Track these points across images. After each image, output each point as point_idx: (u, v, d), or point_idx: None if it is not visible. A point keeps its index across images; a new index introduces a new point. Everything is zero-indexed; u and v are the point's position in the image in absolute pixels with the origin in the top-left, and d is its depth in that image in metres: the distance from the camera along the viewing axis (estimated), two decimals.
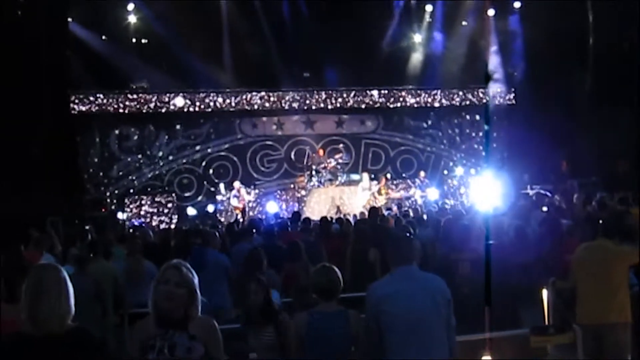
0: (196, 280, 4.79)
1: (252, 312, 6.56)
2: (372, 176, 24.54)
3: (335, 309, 5.99)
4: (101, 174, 25.14)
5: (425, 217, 16.30)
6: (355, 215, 19.42)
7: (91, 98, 24.65)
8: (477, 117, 28.55)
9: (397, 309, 5.66)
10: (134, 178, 25.57)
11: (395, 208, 22.68)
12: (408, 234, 8.25)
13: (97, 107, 24.77)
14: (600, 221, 9.02)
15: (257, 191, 24.98)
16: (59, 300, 4.44)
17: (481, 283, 7.98)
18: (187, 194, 25.86)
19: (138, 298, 10.31)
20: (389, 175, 25.76)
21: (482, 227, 10.72)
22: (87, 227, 17.02)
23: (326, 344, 5.86)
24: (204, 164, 26.31)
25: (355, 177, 24.87)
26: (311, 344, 5.93)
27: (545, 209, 16.69)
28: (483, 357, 7.02)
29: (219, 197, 24.66)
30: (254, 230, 12.82)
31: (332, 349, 5.86)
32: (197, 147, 26.34)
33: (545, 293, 10.09)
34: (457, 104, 28.28)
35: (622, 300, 7.89)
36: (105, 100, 24.85)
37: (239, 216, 22.76)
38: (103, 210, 23.21)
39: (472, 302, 7.80)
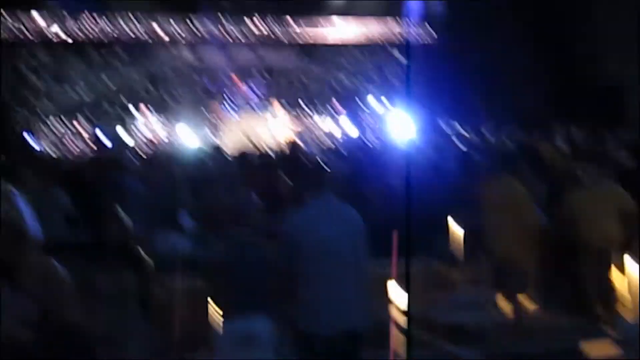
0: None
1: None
2: (288, 107, 24.52)
3: (249, 235, 6.03)
4: (12, 99, 24.47)
5: (342, 149, 16.37)
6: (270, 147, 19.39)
7: (2, 20, 23.83)
8: (396, 52, 28.61)
9: (310, 236, 5.73)
10: (46, 104, 24.97)
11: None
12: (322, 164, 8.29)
13: (8, 30, 23.99)
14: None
15: (170, 120, 24.69)
16: None
17: (396, 213, 8.11)
18: (100, 122, 25.35)
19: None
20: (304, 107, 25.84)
21: (398, 159, 10.85)
22: None
23: (240, 269, 5.89)
24: (117, 91, 25.81)
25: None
26: (225, 269, 5.96)
27: (458, 143, 16.99)
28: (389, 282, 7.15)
29: (132, 125, 24.30)
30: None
31: (246, 275, 5.89)
32: (111, 73, 25.80)
33: (452, 223, 10.33)
34: (377, 38, 28.26)
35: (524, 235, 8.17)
36: (17, 23, 24.07)
37: (151, 146, 22.50)
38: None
39: (385, 232, 7.93)
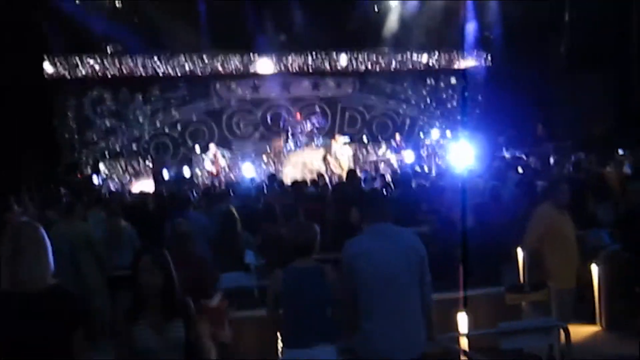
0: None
1: (147, 294, 4.85)
2: (348, 140, 24.59)
3: (311, 265, 6.01)
4: (76, 137, 24.99)
5: (401, 178, 16.34)
6: (330, 178, 19.49)
7: (65, 62, 24.43)
8: (453, 80, 28.60)
9: (370, 266, 5.67)
10: (109, 142, 25.44)
11: (372, 171, 22.77)
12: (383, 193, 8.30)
13: (71, 71, 24.57)
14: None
15: (232, 155, 24.95)
16: (38, 258, 4.45)
17: (458, 242, 8.07)
18: (162, 158, 25.74)
19: (118, 260, 10.38)
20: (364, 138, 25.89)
21: (458, 188, 10.79)
22: (62, 191, 16.95)
23: (301, 299, 5.88)
24: (179, 127, 26.20)
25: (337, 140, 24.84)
26: (286, 300, 5.95)
27: (520, 170, 16.83)
28: (458, 314, 7.11)
29: (194, 161, 24.61)
30: (231, 193, 12.85)
31: (308, 305, 5.88)
32: (173, 111, 26.20)
33: (520, 252, 10.23)
34: (433, 67, 28.28)
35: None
36: (79, 64, 24.64)
37: (214, 180, 22.75)
38: (78, 175, 23.10)
39: (449, 262, 7.88)
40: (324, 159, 23.67)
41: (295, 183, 14.99)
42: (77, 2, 24.27)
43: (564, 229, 8.05)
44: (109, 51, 25.04)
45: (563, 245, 8.00)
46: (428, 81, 28.78)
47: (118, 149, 25.44)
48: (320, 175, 18.05)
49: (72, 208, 10.41)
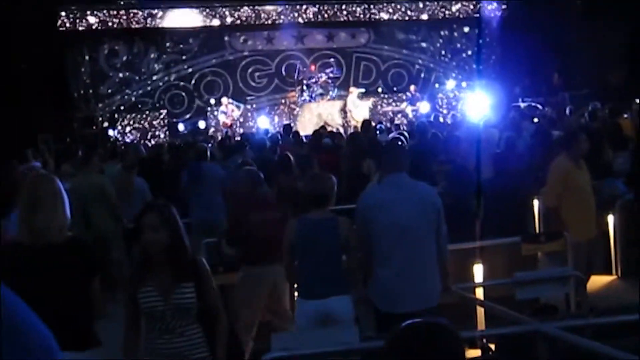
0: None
1: (152, 254, 4.47)
2: (364, 91, 24.51)
3: (325, 216, 6.02)
4: (91, 91, 24.98)
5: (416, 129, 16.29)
6: (345, 130, 19.47)
7: (79, 14, 24.35)
8: (468, 29, 28.33)
9: (386, 217, 5.70)
10: (124, 95, 25.43)
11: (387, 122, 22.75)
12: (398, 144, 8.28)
13: (85, 24, 24.50)
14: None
15: (247, 106, 24.92)
16: (56, 211, 4.48)
17: (474, 193, 8.06)
18: (177, 110, 25.73)
19: (128, 212, 10.43)
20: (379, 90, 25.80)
21: (474, 138, 10.74)
22: (78, 145, 17.02)
23: (315, 249, 5.90)
24: (194, 79, 26.11)
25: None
26: (301, 249, 5.98)
27: (536, 120, 16.74)
28: (474, 265, 7.13)
29: (209, 113, 24.63)
30: (246, 145, 12.86)
31: (322, 255, 5.90)
32: (187, 63, 26.12)
33: (536, 202, 10.23)
34: (448, 16, 28.03)
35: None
36: (93, 17, 24.56)
37: (228, 132, 22.76)
38: (94, 127, 23.16)
39: (465, 212, 7.88)
40: (342, 110, 23.63)
41: (315, 132, 14.99)
42: None
43: (580, 181, 8.01)
44: (122, 2, 24.92)
45: (580, 197, 7.98)
46: (443, 31, 28.51)
47: (133, 102, 25.42)
48: (336, 126, 18.04)
49: (88, 160, 10.43)
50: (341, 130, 19.55)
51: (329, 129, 19.85)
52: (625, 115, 15.19)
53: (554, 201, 8.07)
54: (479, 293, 7.08)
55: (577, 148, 8.02)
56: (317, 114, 23.61)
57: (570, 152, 8.02)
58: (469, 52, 28.32)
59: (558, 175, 8.02)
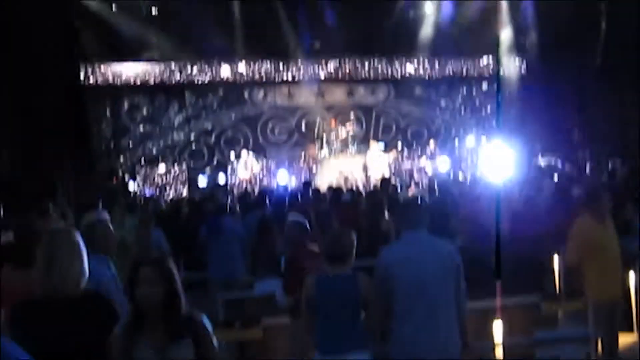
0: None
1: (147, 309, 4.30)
2: (383, 147, 24.57)
3: (345, 272, 6.00)
4: (112, 144, 25.21)
5: (435, 186, 16.27)
6: (365, 186, 19.47)
7: (101, 68, 24.67)
8: (488, 86, 28.42)
9: (406, 274, 5.68)
10: (144, 148, 25.62)
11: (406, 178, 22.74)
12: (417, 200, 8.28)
13: (108, 78, 24.80)
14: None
15: (266, 162, 25.01)
16: (73, 264, 4.47)
17: (492, 250, 8.00)
18: (197, 164, 25.88)
19: None
20: (399, 146, 25.81)
21: (493, 196, 10.71)
22: (98, 197, 17.07)
23: (335, 305, 5.87)
24: (214, 134, 26.32)
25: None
26: (320, 305, 5.94)
27: (556, 178, 16.69)
28: (494, 322, 7.04)
29: (229, 168, 24.72)
30: (266, 200, 12.89)
31: (341, 310, 5.86)
32: (208, 117, 26.33)
33: (556, 261, 10.13)
34: (468, 73, 28.16)
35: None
36: (116, 71, 24.88)
37: (247, 186, 22.81)
38: (114, 180, 23.27)
39: (483, 270, 7.82)
40: (362, 166, 23.66)
41: (331, 188, 14.99)
42: (113, 9, 24.49)
43: (603, 241, 7.92)
44: (144, 57, 25.24)
45: (603, 257, 7.87)
46: (462, 87, 28.64)
47: (153, 155, 25.59)
48: (355, 183, 18.03)
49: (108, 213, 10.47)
50: (361, 186, 19.54)
51: (348, 184, 19.89)
52: None
53: (575, 260, 7.98)
54: (499, 352, 6.98)
55: (600, 207, 7.96)
56: (337, 169, 23.64)
57: (594, 211, 7.96)
58: (488, 109, 28.37)
59: (579, 233, 7.95)
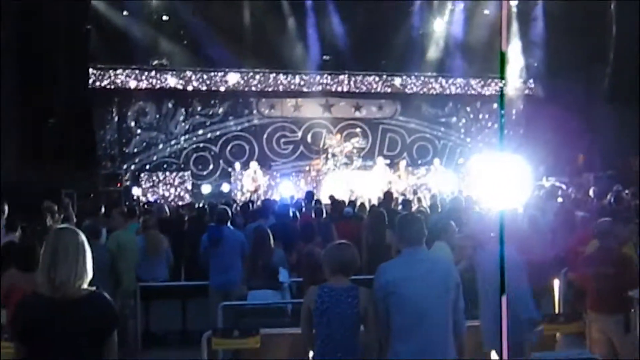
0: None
1: None
2: (388, 162, 24.58)
3: (346, 285, 5.98)
4: (117, 149, 25.23)
5: (438, 204, 16.26)
6: (369, 200, 19.49)
7: (110, 73, 24.73)
8: (494, 106, 28.44)
9: (405, 292, 5.66)
10: (150, 154, 25.64)
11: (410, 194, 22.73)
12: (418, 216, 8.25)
13: (115, 83, 24.86)
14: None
15: (272, 173, 25.01)
16: (77, 263, 4.47)
17: (494, 271, 7.99)
18: (202, 172, 25.92)
19: (153, 271, 10.48)
20: (404, 162, 25.81)
21: (496, 215, 10.70)
22: (101, 201, 17.12)
23: (334, 318, 5.86)
24: (220, 142, 26.34)
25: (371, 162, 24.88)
26: (319, 317, 5.93)
27: (560, 200, 16.67)
28: None
29: (233, 177, 24.71)
30: (269, 211, 12.88)
31: (340, 323, 5.85)
32: (214, 126, 26.37)
33: (556, 283, 10.11)
34: (475, 92, 28.21)
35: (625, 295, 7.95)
36: (124, 76, 24.94)
37: (252, 197, 22.80)
38: (118, 185, 23.26)
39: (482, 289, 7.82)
40: (367, 180, 23.65)
41: (333, 202, 15.01)
42: (124, 14, 24.57)
43: (609, 268, 7.95)
44: (153, 64, 25.30)
45: (606, 280, 7.90)
46: (469, 106, 28.70)
47: (158, 161, 25.61)
48: (358, 196, 18.03)
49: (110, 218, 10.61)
50: (365, 200, 19.53)
51: (352, 198, 19.89)
52: None
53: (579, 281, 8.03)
54: None
55: (609, 237, 8.00)
56: (341, 183, 23.64)
57: (602, 239, 8.00)
58: (494, 130, 28.39)
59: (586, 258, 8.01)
